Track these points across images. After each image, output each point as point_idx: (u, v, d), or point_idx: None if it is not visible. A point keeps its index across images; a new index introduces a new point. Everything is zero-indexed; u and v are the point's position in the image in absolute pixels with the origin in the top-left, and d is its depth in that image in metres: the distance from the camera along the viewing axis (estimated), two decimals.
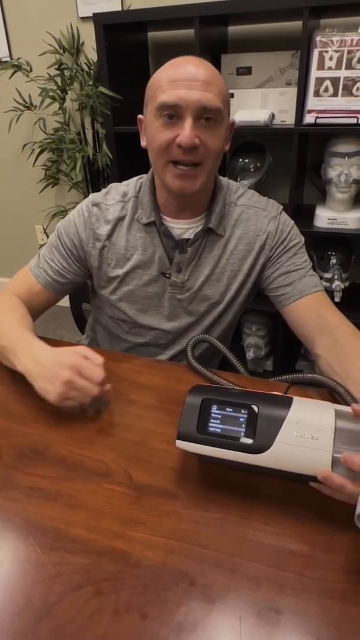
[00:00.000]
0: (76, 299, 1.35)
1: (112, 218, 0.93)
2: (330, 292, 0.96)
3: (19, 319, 0.88)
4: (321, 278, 1.67)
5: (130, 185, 0.96)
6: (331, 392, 0.77)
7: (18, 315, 0.90)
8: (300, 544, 0.55)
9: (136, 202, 0.93)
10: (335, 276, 1.75)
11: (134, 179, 0.98)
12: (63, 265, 0.96)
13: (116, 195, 0.94)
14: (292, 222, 0.96)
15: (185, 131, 0.77)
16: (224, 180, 0.97)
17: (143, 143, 0.88)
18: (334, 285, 1.74)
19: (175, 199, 0.88)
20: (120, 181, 0.98)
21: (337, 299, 1.72)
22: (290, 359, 2.10)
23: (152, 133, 0.82)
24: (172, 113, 0.78)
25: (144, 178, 0.95)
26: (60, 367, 0.72)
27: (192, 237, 0.91)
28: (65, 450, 0.69)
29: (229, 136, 0.88)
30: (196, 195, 0.86)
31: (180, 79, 0.77)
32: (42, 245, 2.54)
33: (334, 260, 1.81)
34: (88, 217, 0.94)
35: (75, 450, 0.69)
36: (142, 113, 0.89)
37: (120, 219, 0.93)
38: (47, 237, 2.54)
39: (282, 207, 0.96)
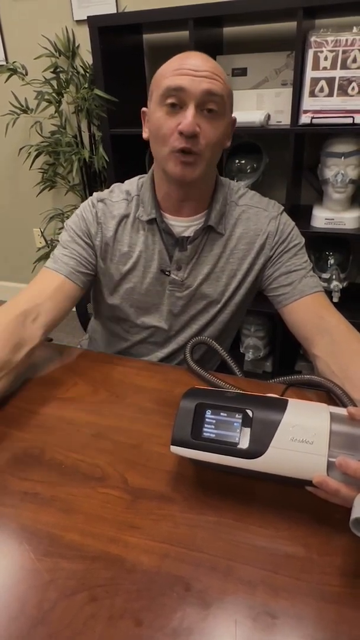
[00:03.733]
0: (82, 300, 1.35)
1: (117, 214, 0.94)
2: (328, 293, 0.96)
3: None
4: (319, 278, 1.67)
5: (132, 184, 0.97)
6: (329, 393, 0.77)
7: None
8: (295, 547, 0.55)
9: (138, 200, 0.94)
10: (333, 276, 1.75)
11: (135, 178, 0.98)
12: (82, 254, 0.94)
13: (120, 194, 0.96)
14: (293, 223, 0.97)
15: (187, 118, 0.78)
16: (225, 180, 0.97)
17: (145, 135, 0.89)
18: (332, 286, 1.74)
19: (176, 189, 0.88)
20: (117, 183, 0.99)
21: (335, 299, 1.72)
22: (289, 360, 2.09)
23: (155, 122, 0.83)
24: (176, 101, 0.79)
25: (144, 177, 0.96)
26: None
27: (192, 234, 0.92)
28: (61, 454, 0.69)
29: (230, 132, 0.89)
30: (195, 185, 0.86)
31: (185, 68, 0.79)
32: (40, 249, 2.55)
33: (331, 261, 1.81)
34: (95, 212, 0.95)
35: (71, 455, 0.69)
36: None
37: (125, 217, 0.94)
38: (45, 240, 2.54)
39: (283, 207, 0.97)
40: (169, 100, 0.79)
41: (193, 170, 0.83)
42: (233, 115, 0.89)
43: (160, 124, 0.81)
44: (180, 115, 0.80)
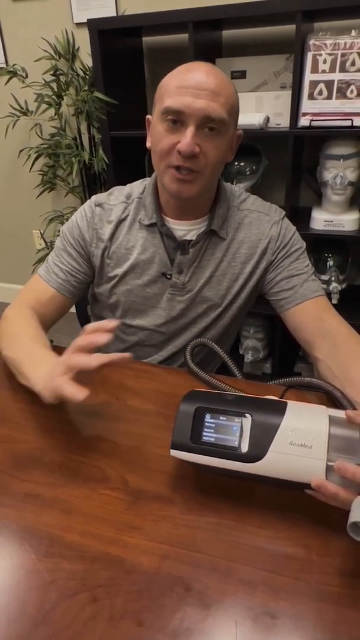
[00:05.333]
0: (82, 301, 1.35)
1: (114, 218, 0.94)
2: (327, 294, 0.97)
3: (33, 334, 0.85)
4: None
5: (135, 187, 0.97)
6: (328, 395, 0.77)
7: (33, 331, 0.86)
8: (295, 547, 0.55)
9: (139, 203, 0.94)
10: (332, 278, 1.76)
11: (139, 181, 0.99)
12: (73, 265, 0.96)
13: (120, 196, 0.95)
14: (294, 227, 0.97)
15: (186, 138, 0.77)
16: (228, 185, 0.97)
17: (148, 144, 0.89)
18: (331, 288, 1.74)
19: (175, 201, 0.89)
20: (117, 185, 0.99)
21: (334, 301, 1.72)
22: (288, 362, 2.10)
23: (156, 136, 0.83)
24: (176, 119, 0.78)
25: (147, 180, 0.96)
26: (55, 365, 0.69)
27: (194, 238, 0.92)
28: (61, 456, 0.69)
29: (234, 146, 0.89)
30: (194, 199, 0.86)
31: (187, 85, 0.77)
32: (39, 250, 2.56)
33: (330, 263, 1.81)
34: (91, 218, 0.95)
35: (71, 456, 0.69)
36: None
37: (122, 220, 0.94)
38: (45, 242, 2.54)
39: (284, 212, 0.97)
40: (170, 117, 0.79)
41: (190, 188, 0.83)
42: (239, 130, 0.88)
43: (160, 139, 0.81)
44: (181, 133, 0.79)
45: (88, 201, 0.97)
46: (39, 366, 0.75)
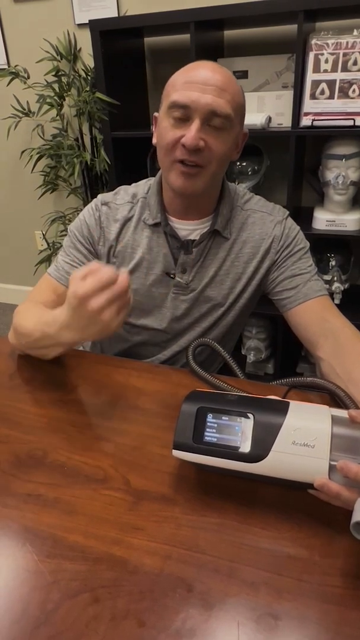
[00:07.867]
0: None
1: (120, 217, 0.94)
2: (329, 295, 0.96)
3: (41, 312, 0.85)
4: None
5: (140, 186, 0.97)
6: (331, 395, 0.77)
7: (41, 310, 0.87)
8: (298, 548, 0.55)
9: (144, 203, 0.94)
10: (335, 278, 1.75)
11: (143, 181, 0.99)
12: (83, 261, 0.96)
13: (125, 196, 0.96)
14: (298, 227, 0.97)
15: (191, 132, 0.78)
16: (232, 185, 0.98)
17: (154, 140, 0.89)
18: (333, 287, 1.74)
19: (179, 198, 0.89)
20: (119, 186, 0.99)
21: (336, 301, 1.72)
22: (290, 362, 2.09)
23: (162, 131, 0.83)
24: (182, 113, 0.79)
25: (152, 180, 0.96)
26: (79, 309, 0.66)
27: (197, 238, 0.92)
28: (63, 456, 0.69)
29: (240, 144, 0.89)
30: (198, 196, 0.87)
31: (194, 81, 0.78)
32: (41, 251, 2.56)
33: (333, 262, 1.81)
34: (98, 216, 0.95)
35: (73, 457, 0.69)
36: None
37: (128, 220, 0.94)
38: (47, 243, 2.54)
39: (288, 212, 0.97)
40: (175, 114, 0.80)
41: (194, 183, 0.83)
42: (245, 129, 0.89)
43: (165, 133, 0.82)
44: (186, 127, 0.79)
45: (94, 200, 0.97)
46: (56, 325, 0.74)
